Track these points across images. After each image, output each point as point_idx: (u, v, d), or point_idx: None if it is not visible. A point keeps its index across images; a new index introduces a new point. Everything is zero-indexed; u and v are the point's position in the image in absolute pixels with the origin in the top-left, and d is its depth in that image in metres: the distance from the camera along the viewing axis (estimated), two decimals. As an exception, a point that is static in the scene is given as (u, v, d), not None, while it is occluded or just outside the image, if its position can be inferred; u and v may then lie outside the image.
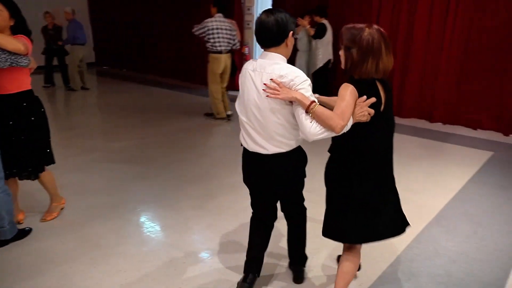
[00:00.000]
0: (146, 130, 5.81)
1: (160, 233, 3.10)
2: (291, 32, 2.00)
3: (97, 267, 2.64)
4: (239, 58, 8.82)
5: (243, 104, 2.10)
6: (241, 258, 2.75)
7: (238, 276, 2.55)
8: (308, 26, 6.66)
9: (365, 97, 1.89)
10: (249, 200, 2.37)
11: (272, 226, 2.45)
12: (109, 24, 11.45)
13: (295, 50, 7.19)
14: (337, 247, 2.75)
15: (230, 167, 4.42)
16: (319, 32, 6.55)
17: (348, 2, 7.02)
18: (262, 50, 2.06)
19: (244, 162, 2.25)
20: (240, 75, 2.13)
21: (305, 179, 2.28)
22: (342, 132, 1.86)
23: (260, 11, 8.64)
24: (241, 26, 8.82)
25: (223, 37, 5.83)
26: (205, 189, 3.87)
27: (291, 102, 1.96)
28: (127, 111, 6.92)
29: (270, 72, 1.96)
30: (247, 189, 2.33)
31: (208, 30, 5.77)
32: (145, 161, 4.57)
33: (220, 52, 5.88)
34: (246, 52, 8.86)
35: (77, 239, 2.97)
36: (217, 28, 5.79)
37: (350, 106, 1.86)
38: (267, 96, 1.94)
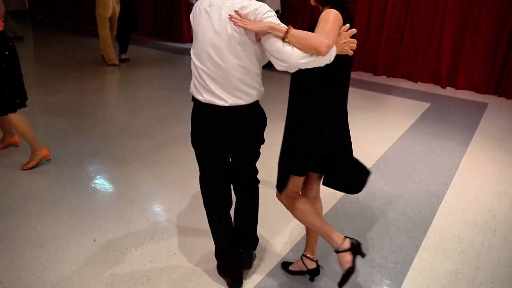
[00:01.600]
0: (84, 84, 5.54)
1: (105, 185, 3.05)
2: None
3: (39, 220, 2.57)
4: (185, 9, 8.51)
5: (197, 46, 1.81)
6: (188, 208, 2.80)
7: (186, 223, 2.60)
8: None
9: (348, 25, 1.69)
10: (193, 154, 2.16)
11: (229, 210, 2.12)
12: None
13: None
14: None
15: (174, 120, 4.37)
16: None
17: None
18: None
19: (195, 118, 1.94)
20: (192, 15, 1.85)
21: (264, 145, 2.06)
22: (328, 57, 1.61)
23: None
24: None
25: None
26: (151, 142, 3.82)
27: (259, 40, 1.72)
28: (62, 63, 6.53)
29: (229, 5, 1.70)
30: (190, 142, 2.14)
31: None
32: (85, 115, 4.39)
33: None
34: (193, 2, 8.52)
35: (17, 192, 2.86)
36: None
37: (335, 30, 1.62)
38: (235, 24, 1.66)
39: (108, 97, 5.35)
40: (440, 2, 5.90)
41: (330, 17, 1.63)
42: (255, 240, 2.31)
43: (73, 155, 3.47)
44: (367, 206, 2.90)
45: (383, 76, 6.66)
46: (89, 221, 2.59)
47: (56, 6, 10.72)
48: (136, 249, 2.36)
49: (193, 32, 1.85)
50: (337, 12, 1.65)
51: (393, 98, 5.55)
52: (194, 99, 1.93)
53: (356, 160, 2.03)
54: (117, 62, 6.31)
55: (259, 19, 1.69)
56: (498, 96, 5.84)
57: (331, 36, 1.59)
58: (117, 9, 6.03)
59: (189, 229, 2.57)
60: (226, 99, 1.80)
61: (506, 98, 5.75)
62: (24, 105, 3.14)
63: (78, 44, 8.02)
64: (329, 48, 1.57)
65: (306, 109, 1.84)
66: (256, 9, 1.70)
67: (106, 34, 6.08)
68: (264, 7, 1.72)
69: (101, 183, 3.07)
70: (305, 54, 1.60)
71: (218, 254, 2.17)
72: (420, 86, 6.20)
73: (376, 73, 6.70)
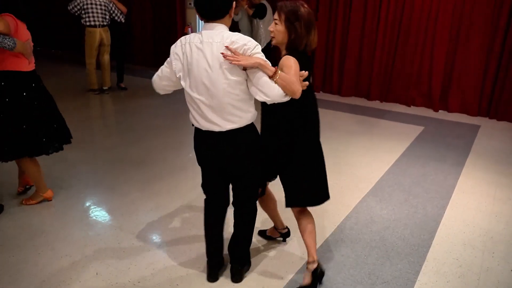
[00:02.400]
0: (83, 113, 5.62)
1: (106, 217, 3.07)
2: (234, 1, 1.98)
3: (41, 254, 2.58)
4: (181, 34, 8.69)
5: (192, 79, 1.97)
6: (189, 238, 2.82)
7: (187, 255, 2.62)
8: (246, 6, 6.71)
9: (306, 72, 2.00)
10: (195, 181, 2.39)
11: (225, 209, 2.36)
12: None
13: (237, 30, 7.21)
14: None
15: (174, 149, 4.43)
16: (259, 12, 6.61)
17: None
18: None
19: (197, 142, 2.16)
20: (179, 51, 1.99)
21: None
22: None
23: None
24: (183, 5, 8.65)
25: (97, 12, 6.06)
26: (150, 171, 3.85)
27: (245, 69, 1.94)
28: (60, 93, 6.62)
29: (219, 40, 1.90)
30: (193, 170, 2.35)
31: (84, 5, 6.04)
32: (84, 145, 4.44)
33: (95, 26, 6.12)
34: (189, 33, 8.71)
35: (18, 227, 2.87)
36: (91, 3, 6.03)
37: (298, 75, 1.97)
38: (231, 63, 1.87)
39: (108, 126, 5.41)
40: (429, 27, 6.08)
41: (291, 64, 1.97)
42: (243, 259, 2.44)
43: (73, 186, 3.49)
44: (366, 232, 2.93)
45: (377, 101, 6.78)
46: (91, 254, 2.60)
47: (55, 38, 10.91)
48: (138, 282, 2.36)
49: (183, 66, 1.99)
50: (295, 59, 1.99)
51: (387, 122, 5.65)
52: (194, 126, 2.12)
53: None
54: (95, 87, 6.58)
55: (249, 54, 1.91)
56: (489, 118, 5.96)
57: (299, 81, 1.96)
58: (105, 37, 6.25)
59: (191, 260, 2.58)
60: (221, 125, 2.02)
61: (497, 119, 5.87)
62: (55, 149, 3.09)
63: (77, 74, 8.12)
64: (300, 93, 1.94)
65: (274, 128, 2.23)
66: (245, 44, 1.91)
67: (90, 64, 6.38)
68: (252, 42, 1.93)
69: (102, 214, 3.09)
70: (284, 93, 1.94)
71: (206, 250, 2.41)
72: (413, 110, 6.32)
73: (369, 98, 6.83)
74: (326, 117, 5.71)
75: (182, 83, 2.03)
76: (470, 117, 6.01)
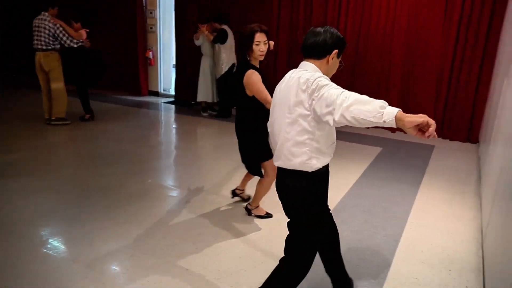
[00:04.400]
0: (40, 141, 5.40)
1: (59, 249, 2.91)
2: (336, 50, 1.95)
3: (-15, 292, 2.40)
4: (142, 63, 8.63)
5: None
6: (148, 267, 2.72)
7: (145, 285, 2.51)
8: (206, 32, 6.79)
9: None
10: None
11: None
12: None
13: (199, 54, 7.25)
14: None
15: (133, 176, 4.31)
16: (219, 37, 6.70)
17: (249, 7, 7.29)
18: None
19: (320, 184, 2.06)
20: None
21: None
22: None
23: (163, 14, 8.57)
24: (144, 29, 8.62)
25: (39, 35, 5.82)
26: (108, 199, 3.72)
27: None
28: (20, 120, 6.36)
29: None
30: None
31: (33, 27, 5.86)
32: (40, 174, 4.25)
33: (36, 50, 5.90)
34: (150, 57, 8.68)
35: (-41, 263, 2.67)
36: (36, 26, 5.83)
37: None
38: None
39: (66, 153, 5.21)
40: (385, 53, 6.36)
41: (255, 80, 2.91)
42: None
43: (25, 217, 3.30)
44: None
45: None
46: (41, 289, 2.45)
47: (26, 65, 10.56)
48: (92, 317, 2.23)
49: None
50: (256, 72, 2.93)
51: (347, 144, 5.77)
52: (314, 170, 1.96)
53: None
54: (46, 115, 6.21)
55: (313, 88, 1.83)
56: (442, 138, 6.23)
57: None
58: (44, 62, 5.86)
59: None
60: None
61: (450, 139, 6.15)
62: None
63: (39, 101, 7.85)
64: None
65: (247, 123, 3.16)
66: (308, 79, 1.89)
67: (42, 87, 6.09)
68: (314, 75, 1.89)
69: (54, 247, 2.93)
70: None
71: None
72: (372, 131, 6.51)
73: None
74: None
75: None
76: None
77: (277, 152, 2.00)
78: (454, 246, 3.10)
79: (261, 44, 2.92)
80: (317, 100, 1.76)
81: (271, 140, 2.11)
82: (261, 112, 2.91)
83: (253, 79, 2.93)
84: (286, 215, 2.09)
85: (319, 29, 1.96)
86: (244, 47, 2.95)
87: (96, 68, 6.56)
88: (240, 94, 3.05)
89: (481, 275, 2.72)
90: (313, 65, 1.96)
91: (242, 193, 3.80)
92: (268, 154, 3.07)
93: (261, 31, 2.92)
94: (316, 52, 1.95)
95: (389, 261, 2.87)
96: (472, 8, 5.67)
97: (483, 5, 5.59)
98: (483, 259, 2.89)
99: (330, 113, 1.69)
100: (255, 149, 3.19)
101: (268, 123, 2.12)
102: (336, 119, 1.66)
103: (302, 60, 2.01)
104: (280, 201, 2.10)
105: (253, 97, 2.98)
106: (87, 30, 6.11)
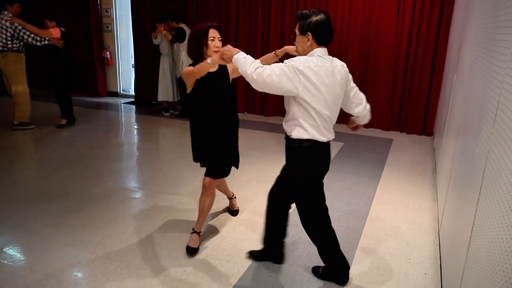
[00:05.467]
0: (-8, 145, 5.12)
1: (14, 258, 2.77)
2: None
3: None
4: (99, 63, 8.37)
5: (322, 97, 2.27)
6: (111, 272, 2.64)
7: (108, 290, 2.44)
8: (164, 32, 6.69)
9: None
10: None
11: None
12: None
13: (158, 54, 7.12)
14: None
15: (91, 179, 4.18)
16: (177, 36, 6.61)
17: (207, 6, 7.24)
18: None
19: (320, 156, 2.43)
20: (309, 73, 2.21)
21: None
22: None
23: (119, 13, 8.35)
24: (99, 29, 8.37)
25: None
26: (66, 203, 3.59)
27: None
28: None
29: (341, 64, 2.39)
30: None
31: None
32: (-9, 180, 4.04)
33: None
34: (108, 56, 8.43)
35: None
36: None
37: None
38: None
39: (17, 158, 4.97)
40: (342, 50, 6.50)
41: (185, 69, 2.70)
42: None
43: (-26, 227, 3.13)
44: (293, 249, 2.97)
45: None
46: (-5, 301, 2.33)
47: None
48: (51, 327, 2.15)
49: (309, 86, 2.22)
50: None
51: (309, 140, 5.85)
52: (310, 141, 2.35)
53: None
54: (16, 121, 5.88)
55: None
56: (400, 131, 6.45)
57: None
58: (1, 64, 5.62)
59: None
60: (332, 136, 2.44)
61: (407, 133, 6.38)
62: None
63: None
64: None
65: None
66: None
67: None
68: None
69: (9, 256, 2.79)
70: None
71: None
72: (334, 127, 6.62)
73: (291, 117, 7.06)
74: (251, 137, 5.79)
75: (309, 98, 2.24)
76: (384, 132, 6.45)
77: (331, 129, 2.44)
78: (413, 236, 3.22)
79: (216, 40, 2.76)
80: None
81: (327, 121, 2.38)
82: (202, 116, 2.80)
83: (184, 71, 2.72)
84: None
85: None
86: (198, 45, 2.74)
87: (70, 70, 6.19)
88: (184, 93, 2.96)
89: (438, 262, 2.84)
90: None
91: (232, 200, 3.51)
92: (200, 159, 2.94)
93: (214, 27, 2.80)
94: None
95: (352, 253, 2.94)
96: (423, 3, 5.90)
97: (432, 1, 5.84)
98: (440, 247, 3.01)
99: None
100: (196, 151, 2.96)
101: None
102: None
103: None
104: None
105: (192, 94, 2.79)
106: (62, 29, 5.82)
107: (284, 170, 2.62)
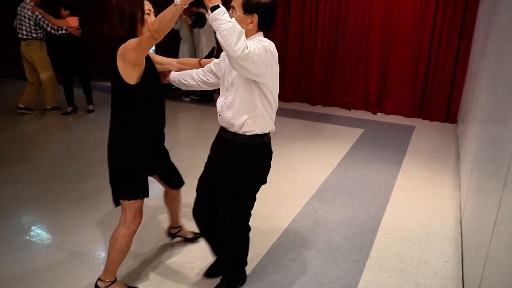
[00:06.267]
0: (10, 130, 5.26)
1: (41, 236, 2.88)
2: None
3: (-34, 282, 2.36)
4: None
5: (276, 82, 2.05)
6: (131, 251, 2.71)
7: (132, 269, 2.51)
8: (185, 16, 6.67)
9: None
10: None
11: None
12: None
13: (178, 39, 7.13)
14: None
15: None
16: (198, 21, 6.59)
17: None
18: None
19: (270, 151, 2.19)
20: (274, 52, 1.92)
21: None
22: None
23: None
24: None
25: (21, 24, 5.62)
26: (86, 186, 3.68)
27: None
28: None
29: None
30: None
31: (17, 18, 5.62)
32: (12, 163, 4.16)
33: (20, 40, 5.70)
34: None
35: None
36: (18, 14, 5.62)
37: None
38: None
39: (38, 142, 5.10)
40: (363, 37, 6.39)
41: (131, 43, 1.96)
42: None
43: (1, 207, 3.24)
44: (312, 234, 2.98)
45: (319, 106, 6.98)
46: (27, 278, 2.42)
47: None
48: (78, 303, 2.23)
49: (274, 70, 1.97)
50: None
51: (330, 126, 5.82)
52: (269, 135, 2.14)
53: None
54: (22, 104, 6.01)
55: None
56: (422, 119, 6.34)
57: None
58: (25, 51, 5.71)
59: (135, 274, 2.48)
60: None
61: (430, 120, 6.26)
62: None
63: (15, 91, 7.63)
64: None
65: None
66: None
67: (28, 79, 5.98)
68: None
69: (36, 234, 2.89)
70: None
71: None
72: (354, 114, 6.57)
73: (312, 103, 7.02)
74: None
75: (271, 84, 2.00)
76: (406, 119, 6.35)
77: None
78: (434, 223, 3.19)
79: (151, 14, 2.10)
80: None
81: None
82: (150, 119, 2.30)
83: (127, 45, 1.97)
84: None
85: None
86: (132, 20, 2.02)
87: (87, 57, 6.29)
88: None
89: (459, 250, 2.81)
90: None
91: (180, 231, 2.87)
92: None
93: None
94: None
95: (371, 240, 2.93)
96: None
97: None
98: (462, 235, 2.98)
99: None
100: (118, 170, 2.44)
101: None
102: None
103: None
104: None
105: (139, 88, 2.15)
106: (78, 18, 5.87)
107: (231, 179, 2.11)
